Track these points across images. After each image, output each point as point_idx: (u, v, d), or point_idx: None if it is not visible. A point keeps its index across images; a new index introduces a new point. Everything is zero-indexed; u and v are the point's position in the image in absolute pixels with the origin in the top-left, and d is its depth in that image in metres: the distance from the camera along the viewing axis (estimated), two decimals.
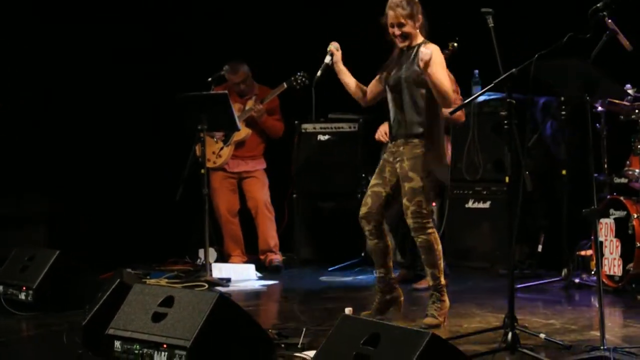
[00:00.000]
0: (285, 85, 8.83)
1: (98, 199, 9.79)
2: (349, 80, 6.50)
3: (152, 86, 9.73)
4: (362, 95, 6.54)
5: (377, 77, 6.49)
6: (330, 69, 6.47)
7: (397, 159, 6.28)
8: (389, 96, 6.37)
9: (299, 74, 8.78)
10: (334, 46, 6.44)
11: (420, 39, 6.29)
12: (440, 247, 6.27)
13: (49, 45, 9.58)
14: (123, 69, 9.80)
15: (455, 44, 7.98)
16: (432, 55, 5.99)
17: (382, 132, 7.60)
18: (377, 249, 6.42)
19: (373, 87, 6.53)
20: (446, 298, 6.31)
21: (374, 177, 6.44)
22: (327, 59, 6.41)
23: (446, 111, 6.45)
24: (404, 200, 6.22)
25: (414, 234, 6.25)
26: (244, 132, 8.83)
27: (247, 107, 8.89)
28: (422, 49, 6.06)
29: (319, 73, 6.43)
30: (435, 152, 6.26)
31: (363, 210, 6.39)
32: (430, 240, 6.22)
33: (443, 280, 6.31)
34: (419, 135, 6.23)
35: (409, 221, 6.22)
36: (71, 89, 9.71)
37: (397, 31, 6.25)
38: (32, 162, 9.43)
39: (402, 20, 6.23)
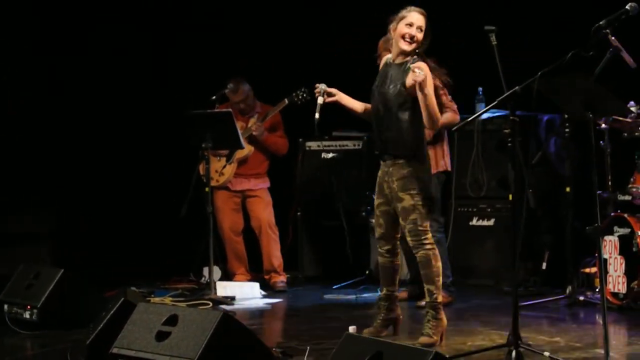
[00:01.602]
0: (286, 101, 8.82)
1: (102, 216, 9.80)
2: (356, 106, 6.51)
3: (157, 104, 9.75)
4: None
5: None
6: (327, 106, 6.46)
7: (388, 179, 6.30)
8: (374, 109, 6.36)
9: (300, 90, 8.77)
10: (322, 86, 6.42)
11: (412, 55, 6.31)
12: (439, 264, 6.27)
13: (53, 59, 9.61)
14: (128, 86, 9.82)
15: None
16: (426, 76, 6.01)
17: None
18: (389, 267, 6.45)
19: None
20: (443, 316, 6.29)
21: (376, 196, 6.45)
22: (320, 100, 6.40)
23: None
24: (400, 220, 6.27)
25: (414, 251, 6.28)
26: (246, 149, 8.80)
27: (249, 125, 8.89)
28: (415, 68, 6.05)
29: (317, 116, 6.39)
30: (421, 169, 6.28)
31: (379, 231, 6.44)
32: (428, 255, 6.23)
33: (440, 298, 6.30)
34: (405, 155, 6.25)
35: (408, 239, 6.26)
36: (76, 106, 9.74)
37: (414, 32, 6.23)
38: (37, 180, 9.45)
39: (423, 26, 6.25)
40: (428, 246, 6.23)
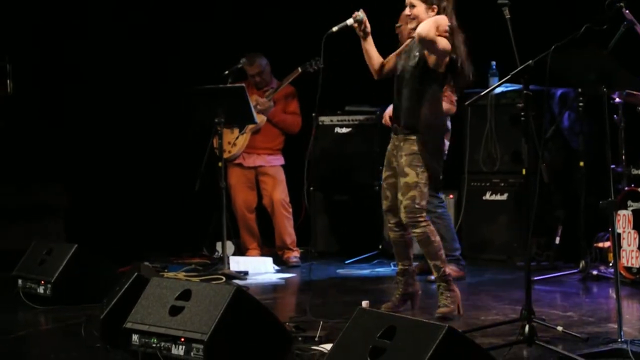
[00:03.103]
0: (299, 70, 8.77)
1: (116, 191, 9.82)
2: (371, 49, 6.42)
3: (170, 78, 9.75)
4: (378, 67, 6.47)
5: (396, 53, 6.47)
6: (347, 31, 6.38)
7: (398, 153, 6.30)
8: (394, 84, 6.37)
9: (314, 58, 8.73)
10: (361, 15, 6.32)
11: None
12: (438, 237, 6.29)
13: (64, 35, 9.60)
14: (140, 61, 9.81)
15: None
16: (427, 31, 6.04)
17: (387, 116, 7.66)
18: (401, 241, 6.42)
19: (390, 61, 6.46)
20: (455, 288, 6.32)
21: (384, 169, 6.46)
22: (350, 21, 6.31)
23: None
24: (399, 195, 6.25)
25: (410, 229, 6.28)
26: (258, 119, 8.73)
27: (266, 95, 8.85)
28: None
29: (335, 28, 6.32)
30: (432, 149, 6.26)
31: (386, 204, 6.42)
32: (426, 232, 6.23)
33: (447, 270, 6.32)
34: (416, 131, 6.23)
35: (402, 216, 6.24)
36: (88, 81, 9.74)
37: (407, 11, 6.28)
38: (50, 154, 9.46)
39: (414, 2, 6.23)
40: (423, 224, 6.22)
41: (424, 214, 6.24)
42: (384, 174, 6.45)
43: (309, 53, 8.78)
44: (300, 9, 9.81)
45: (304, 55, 8.85)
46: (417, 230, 6.23)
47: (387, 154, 6.45)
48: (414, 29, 6.25)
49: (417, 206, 6.20)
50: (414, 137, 6.23)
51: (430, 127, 6.25)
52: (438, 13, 6.22)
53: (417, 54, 6.21)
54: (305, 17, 9.77)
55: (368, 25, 6.36)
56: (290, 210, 8.97)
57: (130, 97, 9.82)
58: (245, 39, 9.77)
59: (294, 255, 8.91)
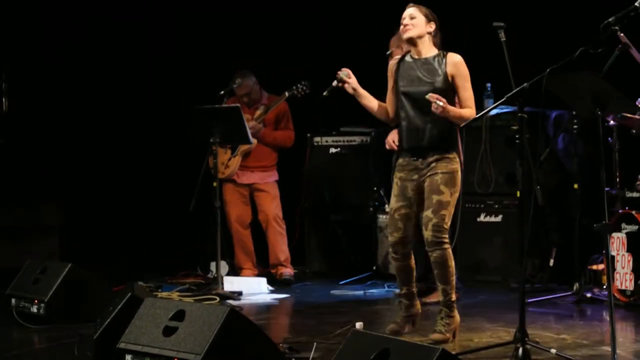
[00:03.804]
0: (287, 94, 8.81)
1: (110, 210, 9.82)
2: (371, 104, 6.43)
3: (165, 98, 9.76)
4: (386, 115, 6.48)
5: (390, 90, 6.47)
6: (338, 91, 6.42)
7: (428, 174, 6.20)
8: (409, 108, 6.27)
9: (300, 82, 8.77)
10: (344, 73, 6.36)
11: (435, 50, 6.30)
12: (453, 263, 6.24)
13: (60, 55, 9.62)
14: (134, 81, 9.83)
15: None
16: (445, 106, 6.05)
17: (391, 140, 7.64)
18: (406, 269, 6.39)
19: (391, 102, 6.44)
20: (456, 314, 6.27)
21: (395, 199, 6.33)
22: (335, 83, 6.36)
23: None
24: (428, 212, 6.16)
25: (430, 248, 6.19)
26: None
27: (254, 117, 8.86)
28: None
29: (325, 93, 6.38)
30: (461, 167, 6.30)
31: (397, 235, 6.30)
32: (445, 255, 6.17)
33: (454, 297, 6.27)
34: (454, 149, 6.24)
35: (427, 234, 6.15)
36: (84, 100, 9.76)
37: (407, 21, 6.26)
38: (45, 173, 9.47)
39: (415, 14, 6.27)
40: (445, 245, 6.17)
41: (447, 236, 6.21)
42: (396, 204, 6.31)
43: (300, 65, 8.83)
44: (296, 9, 9.85)
45: (295, 67, 8.90)
46: (438, 251, 6.16)
47: (398, 182, 6.33)
48: (409, 39, 6.28)
49: (445, 225, 6.15)
50: (452, 155, 6.22)
51: (459, 144, 6.32)
52: (434, 35, 6.27)
53: (441, 75, 6.22)
54: (301, 20, 9.84)
55: (354, 81, 6.37)
56: (284, 226, 8.98)
57: (125, 116, 9.83)
58: (238, 52, 9.80)
59: (287, 271, 8.90)
